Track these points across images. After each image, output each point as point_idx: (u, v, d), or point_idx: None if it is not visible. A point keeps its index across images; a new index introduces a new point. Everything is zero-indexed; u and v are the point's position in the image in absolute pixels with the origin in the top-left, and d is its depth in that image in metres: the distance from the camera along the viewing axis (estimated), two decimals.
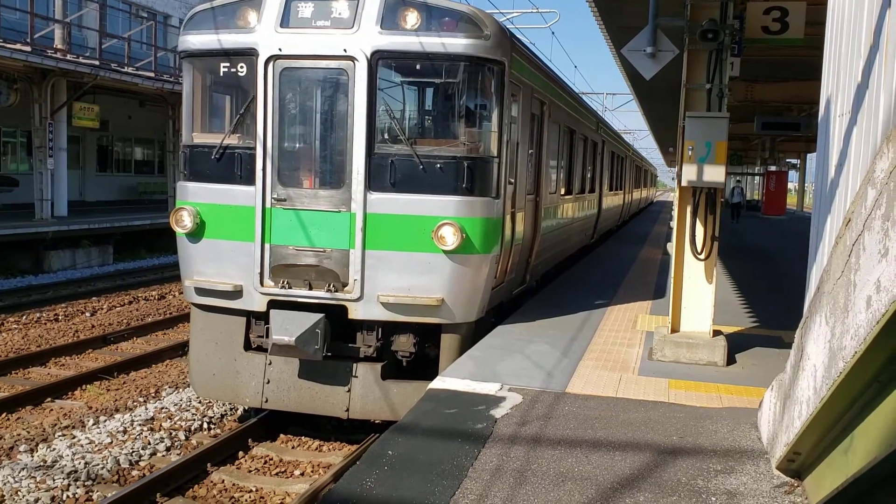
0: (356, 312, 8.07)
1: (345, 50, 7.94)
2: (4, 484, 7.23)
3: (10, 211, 23.48)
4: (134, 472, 7.74)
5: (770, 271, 17.43)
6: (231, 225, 8.33)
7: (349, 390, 8.11)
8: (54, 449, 8.07)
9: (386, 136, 8.19)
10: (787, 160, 46.53)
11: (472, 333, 8.54)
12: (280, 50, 8.08)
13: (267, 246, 8.22)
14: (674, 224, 8.55)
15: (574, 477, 5.05)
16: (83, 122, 25.53)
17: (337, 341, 8.23)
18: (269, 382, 8.31)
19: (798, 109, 25.13)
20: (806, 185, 51.09)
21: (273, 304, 8.18)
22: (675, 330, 8.40)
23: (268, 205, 8.20)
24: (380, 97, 8.07)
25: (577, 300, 11.69)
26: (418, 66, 8.34)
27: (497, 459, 5.30)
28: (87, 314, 15.37)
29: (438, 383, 7.04)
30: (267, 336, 8.10)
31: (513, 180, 9.23)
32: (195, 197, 8.49)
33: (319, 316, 7.88)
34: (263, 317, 8.28)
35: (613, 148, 23.56)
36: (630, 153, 32.60)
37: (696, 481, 5.02)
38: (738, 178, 46.41)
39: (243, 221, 8.25)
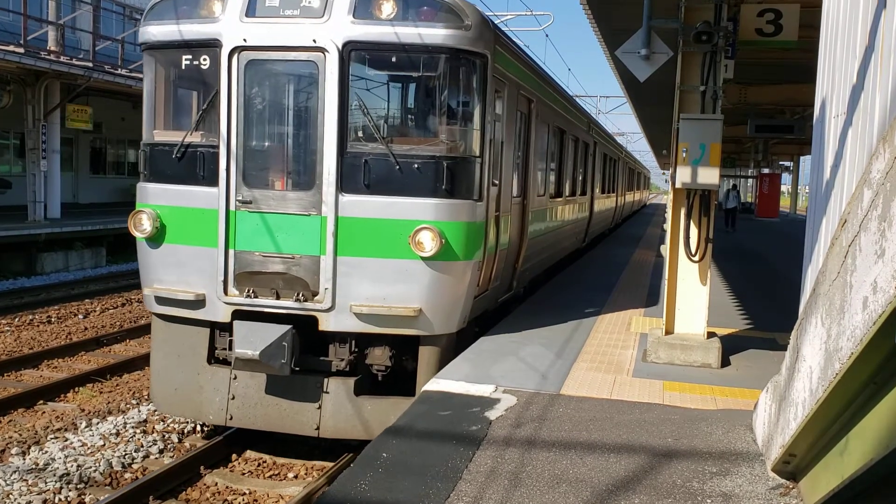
0: (327, 323, 7.58)
1: (314, 41, 7.45)
2: None
3: (2, 213, 23.36)
4: (127, 475, 7.70)
5: (764, 273, 17.46)
6: (193, 229, 7.84)
7: (320, 407, 7.61)
8: (46, 451, 8.03)
9: (359, 133, 7.70)
10: (781, 163, 46.65)
11: (454, 345, 8.12)
12: (245, 41, 7.58)
13: (231, 252, 7.72)
14: (667, 226, 8.56)
15: (569, 479, 5.03)
16: (76, 124, 25.44)
17: (307, 354, 7.77)
18: (233, 398, 7.82)
19: (791, 112, 25.20)
20: (799, 187, 51.24)
21: (238, 315, 7.69)
22: (669, 332, 8.40)
23: (232, 207, 7.70)
24: (352, 92, 7.57)
25: (568, 305, 11.64)
26: (394, 59, 7.76)
27: (492, 461, 5.28)
28: (80, 316, 15.30)
29: (433, 385, 7.02)
30: (231, 349, 7.64)
31: (497, 182, 8.78)
32: (155, 199, 8.01)
33: (286, 328, 7.41)
34: (228, 328, 7.79)
35: (605, 150, 23.04)
36: (623, 155, 32.03)
37: (692, 483, 5.01)
38: (733, 180, 44.47)
39: (206, 225, 7.75)
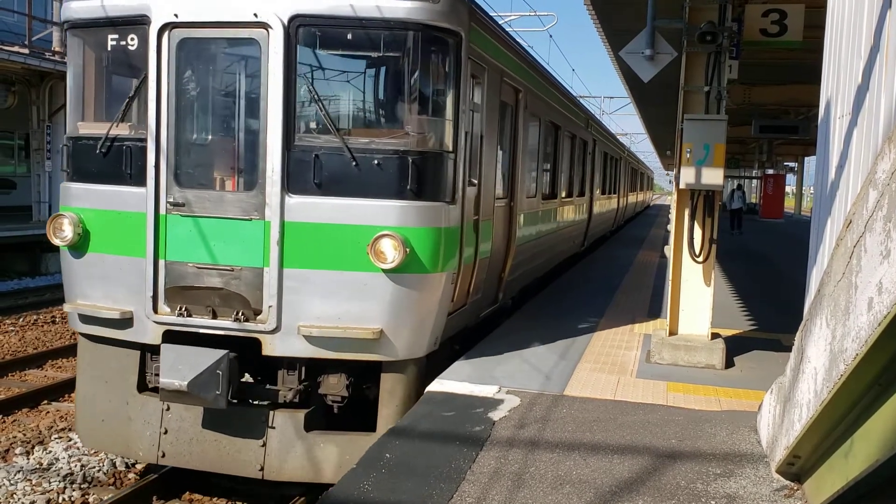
0: (272, 347, 6.56)
1: (256, 15, 6.44)
2: (0, 486, 7.21)
3: (7, 213, 23.42)
4: (130, 475, 7.71)
5: (768, 274, 17.43)
6: (119, 236, 6.86)
7: (264, 444, 6.61)
8: (50, 451, 8.04)
9: (309, 124, 6.76)
10: (785, 163, 46.58)
11: (424, 371, 7.12)
12: (176, 16, 6.57)
13: (161, 263, 6.71)
14: (671, 227, 8.54)
15: (572, 480, 5.02)
16: None
17: (249, 383, 6.98)
18: (166, 433, 6.83)
19: (796, 112, 25.18)
20: (804, 188, 51.17)
21: (170, 336, 6.69)
22: (673, 333, 8.39)
23: (162, 211, 6.68)
24: (301, 75, 6.59)
25: (564, 315, 11.52)
26: (350, 36, 6.64)
27: (495, 462, 5.28)
28: None
29: (436, 386, 7.01)
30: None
31: (476, 181, 7.76)
32: (78, 201, 7.05)
33: (221, 353, 6.42)
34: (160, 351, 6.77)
35: (606, 148, 22.02)
36: (625, 154, 30.99)
37: (696, 485, 5.00)
38: (738, 180, 43.53)
39: (133, 232, 6.75)
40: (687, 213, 8.25)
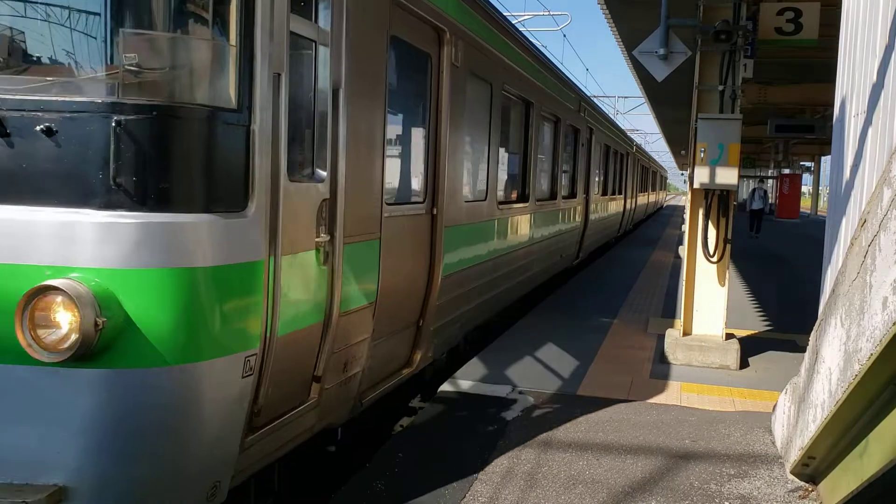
0: None
1: None
2: None
3: None
4: None
5: (784, 274, 17.32)
6: None
7: None
8: None
9: None
10: (801, 163, 46.29)
11: None
12: None
13: None
14: (685, 227, 8.53)
15: (585, 480, 5.01)
16: None
17: None
18: None
19: (812, 111, 25.02)
20: (820, 188, 50.85)
21: None
22: (687, 333, 8.36)
23: None
24: None
25: (579, 315, 11.33)
26: None
27: (508, 462, 5.28)
28: None
29: (449, 386, 7.02)
30: None
31: (324, 172, 4.36)
32: None
33: None
34: None
35: (607, 140, 18.44)
36: (633, 150, 27.25)
37: (709, 485, 4.98)
38: (759, 180, 41.65)
39: None
40: (701, 212, 8.23)
